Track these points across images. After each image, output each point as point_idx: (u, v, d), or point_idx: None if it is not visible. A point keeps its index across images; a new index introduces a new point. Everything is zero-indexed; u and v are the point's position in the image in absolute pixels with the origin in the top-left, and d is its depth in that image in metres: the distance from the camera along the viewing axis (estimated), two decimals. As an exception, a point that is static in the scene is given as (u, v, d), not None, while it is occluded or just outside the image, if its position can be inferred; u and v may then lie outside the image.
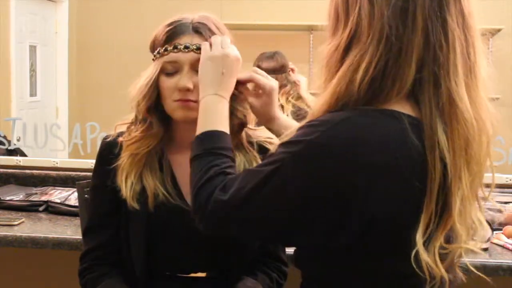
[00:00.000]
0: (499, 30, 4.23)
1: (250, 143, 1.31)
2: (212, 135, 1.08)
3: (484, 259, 1.66)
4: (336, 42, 0.95)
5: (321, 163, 0.88)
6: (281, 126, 1.26)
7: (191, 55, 1.20)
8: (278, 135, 1.25)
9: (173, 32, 1.22)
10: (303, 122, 0.95)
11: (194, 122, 1.16)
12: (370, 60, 0.90)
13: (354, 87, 0.90)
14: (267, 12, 4.47)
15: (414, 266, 0.89)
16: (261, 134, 1.32)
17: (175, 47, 1.21)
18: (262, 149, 1.29)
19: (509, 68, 4.25)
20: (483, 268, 1.62)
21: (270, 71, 2.90)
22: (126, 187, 1.24)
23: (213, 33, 1.22)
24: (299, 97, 2.88)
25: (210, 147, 1.06)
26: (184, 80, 1.20)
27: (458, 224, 0.91)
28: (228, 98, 1.15)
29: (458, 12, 0.92)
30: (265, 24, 4.40)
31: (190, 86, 1.19)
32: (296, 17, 4.21)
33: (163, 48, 1.22)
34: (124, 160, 1.26)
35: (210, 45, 1.18)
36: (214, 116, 1.11)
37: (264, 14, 4.46)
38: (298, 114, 2.78)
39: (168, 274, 1.31)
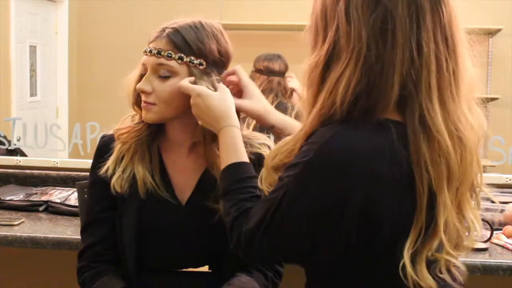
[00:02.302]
0: (499, 30, 4.24)
1: None
2: (232, 168, 1.11)
3: (484, 259, 1.65)
4: (315, 58, 0.95)
5: (318, 182, 0.91)
6: (281, 131, 1.25)
7: (153, 59, 1.23)
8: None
9: (152, 36, 1.25)
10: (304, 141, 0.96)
11: (177, 122, 1.26)
12: (349, 81, 0.89)
13: (337, 109, 0.90)
14: (267, 12, 4.47)
15: (402, 277, 0.90)
16: (254, 142, 1.32)
17: (145, 50, 1.25)
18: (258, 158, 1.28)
19: (509, 68, 4.26)
20: (483, 268, 1.62)
21: (282, 73, 2.90)
22: (115, 172, 1.28)
23: (187, 43, 1.22)
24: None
25: (230, 183, 1.09)
26: (142, 83, 1.24)
27: (443, 235, 0.91)
28: (238, 125, 1.17)
29: (436, 22, 0.90)
30: (265, 24, 4.40)
31: (145, 88, 1.23)
32: (296, 17, 4.19)
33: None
34: (115, 147, 1.30)
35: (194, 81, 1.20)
36: (230, 149, 1.13)
37: (264, 14, 4.46)
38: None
39: (161, 269, 1.31)
